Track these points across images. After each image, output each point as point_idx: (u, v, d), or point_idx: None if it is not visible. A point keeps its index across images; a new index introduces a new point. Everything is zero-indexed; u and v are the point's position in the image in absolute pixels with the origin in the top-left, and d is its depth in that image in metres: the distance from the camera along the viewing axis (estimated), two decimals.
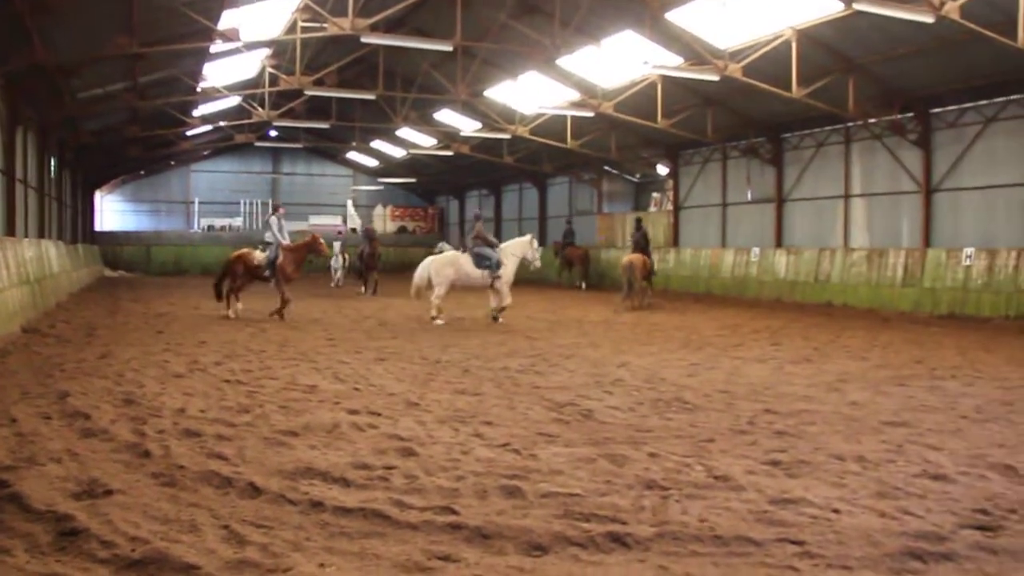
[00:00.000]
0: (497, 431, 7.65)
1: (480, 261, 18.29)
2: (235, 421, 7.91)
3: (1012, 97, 20.51)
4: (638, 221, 25.24)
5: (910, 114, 22.61)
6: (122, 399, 8.89)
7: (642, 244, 23.60)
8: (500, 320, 18.41)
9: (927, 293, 21.04)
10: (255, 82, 30.44)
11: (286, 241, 19.04)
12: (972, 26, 16.19)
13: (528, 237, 19.70)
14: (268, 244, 18.94)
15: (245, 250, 19.85)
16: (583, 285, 33.53)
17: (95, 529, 4.86)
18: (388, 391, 9.77)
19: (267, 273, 18.77)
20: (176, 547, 4.60)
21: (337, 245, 32.02)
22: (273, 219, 19.24)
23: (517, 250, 18.91)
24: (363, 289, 28.30)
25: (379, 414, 8.36)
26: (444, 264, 18.42)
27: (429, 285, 18.30)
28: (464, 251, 18.76)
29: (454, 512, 5.26)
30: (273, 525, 5.07)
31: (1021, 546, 4.83)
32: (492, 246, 18.45)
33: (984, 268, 19.82)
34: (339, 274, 31.97)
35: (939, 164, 22.44)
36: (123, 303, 23.27)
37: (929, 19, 15.88)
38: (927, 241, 22.41)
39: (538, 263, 19.43)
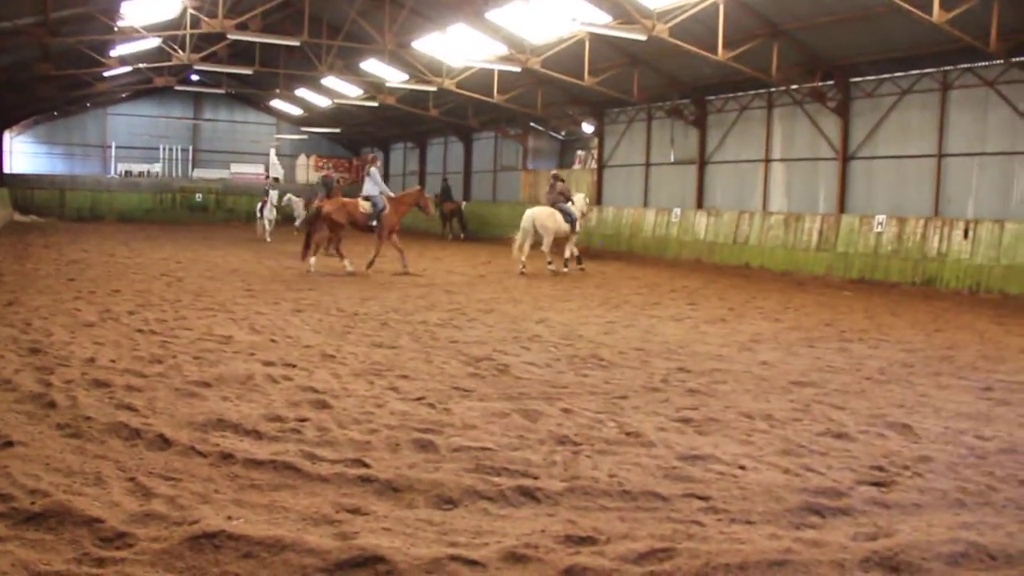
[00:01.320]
0: (412, 385, 7.66)
1: (566, 217, 20.63)
2: (146, 372, 7.76)
3: (926, 71, 21.00)
4: (554, 176, 24.06)
5: (831, 82, 22.99)
6: (28, 348, 8.64)
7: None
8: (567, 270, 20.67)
9: (840, 258, 21.58)
10: (176, 23, 29.41)
11: (389, 193, 19.80)
12: None
13: (583, 195, 22.79)
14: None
15: (346, 199, 19.86)
16: (463, 236, 36.19)
17: None
18: (304, 343, 9.70)
19: (373, 224, 19.03)
20: (79, 500, 4.51)
21: (273, 195, 31.66)
22: (374, 170, 19.86)
23: (580, 206, 21.70)
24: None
25: (294, 366, 8.31)
26: (547, 216, 20.17)
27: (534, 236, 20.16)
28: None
29: (365, 465, 5.26)
30: (182, 477, 5.01)
31: (911, 500, 5.06)
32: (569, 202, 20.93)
33: (894, 235, 20.40)
34: (271, 227, 31.05)
35: (856, 132, 22.92)
36: (34, 249, 22.53)
37: None
38: (842, 207, 22.94)
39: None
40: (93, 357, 8.30)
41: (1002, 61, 18.45)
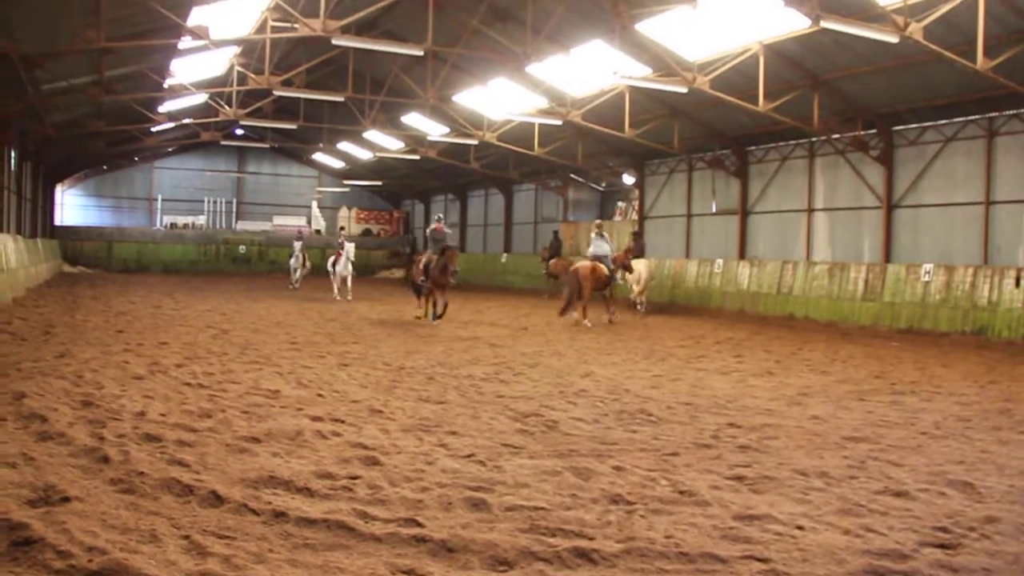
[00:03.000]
0: (462, 441, 7.61)
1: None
2: (196, 426, 7.79)
3: (971, 118, 20.88)
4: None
5: (872, 131, 22.91)
6: (80, 401, 8.72)
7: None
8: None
9: (887, 307, 21.29)
10: (223, 80, 30.15)
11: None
12: (934, 47, 16.44)
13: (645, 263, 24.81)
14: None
15: (589, 263, 20.73)
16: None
17: (51, 538, 4.72)
18: (352, 397, 9.69)
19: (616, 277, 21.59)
20: (135, 558, 4.50)
21: (297, 245, 31.69)
22: (604, 233, 21.97)
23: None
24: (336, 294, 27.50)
25: (343, 421, 8.29)
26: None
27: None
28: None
29: (419, 524, 5.21)
30: (235, 536, 4.99)
31: (979, 564, 4.89)
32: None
33: (942, 284, 20.10)
34: (298, 274, 31.59)
35: (900, 181, 22.76)
36: (83, 300, 22.93)
37: (894, 39, 16.09)
38: (887, 256, 22.71)
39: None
40: (143, 411, 8.35)
41: None
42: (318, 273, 35.64)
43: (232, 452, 6.89)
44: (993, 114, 20.38)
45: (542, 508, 5.59)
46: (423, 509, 5.56)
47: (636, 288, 25.14)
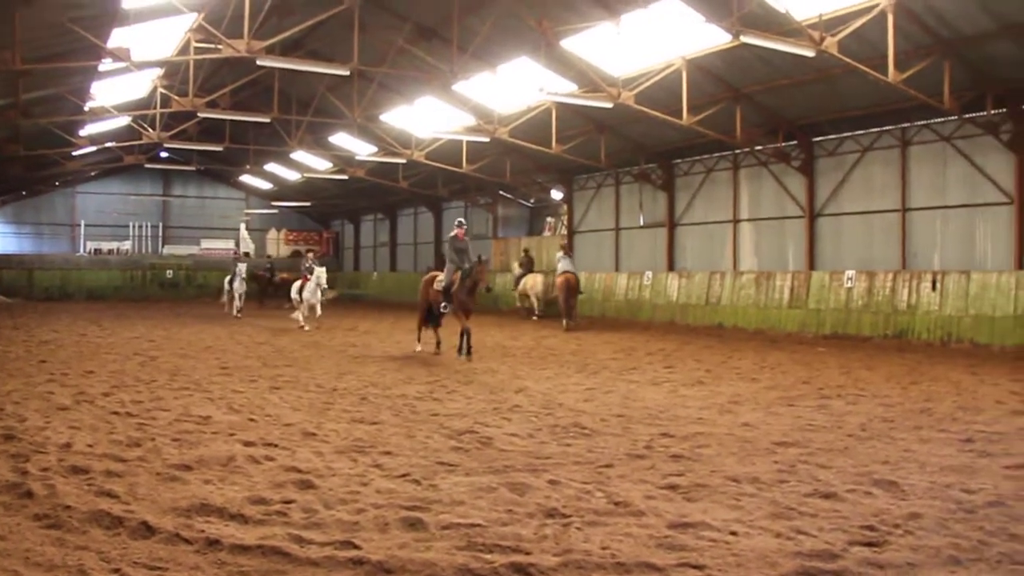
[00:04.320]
0: (397, 461, 7.58)
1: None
2: (125, 456, 7.63)
3: (885, 128, 21.54)
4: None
5: (793, 142, 23.48)
6: (1, 435, 8.47)
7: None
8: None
9: (812, 314, 21.78)
10: (146, 102, 29.65)
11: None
12: (848, 60, 16.93)
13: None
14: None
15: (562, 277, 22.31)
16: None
17: None
18: (284, 421, 9.58)
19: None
20: None
21: (242, 268, 29.66)
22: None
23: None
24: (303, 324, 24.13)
25: (276, 445, 8.19)
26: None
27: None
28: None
29: (355, 547, 5.18)
30: (167, 566, 4.90)
31: (904, 559, 5.04)
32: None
33: (864, 290, 20.65)
34: (240, 301, 29.40)
35: (821, 190, 23.34)
36: (3, 330, 22.26)
37: (810, 53, 16.53)
38: (811, 264, 23.24)
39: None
40: (69, 442, 8.14)
41: (956, 117, 18.94)
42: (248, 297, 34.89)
43: (163, 481, 6.76)
44: (906, 124, 21.07)
45: (478, 525, 5.60)
46: (359, 531, 5.52)
47: (535, 301, 28.95)
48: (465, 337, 15.88)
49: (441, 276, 16.92)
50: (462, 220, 17.22)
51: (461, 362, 15.67)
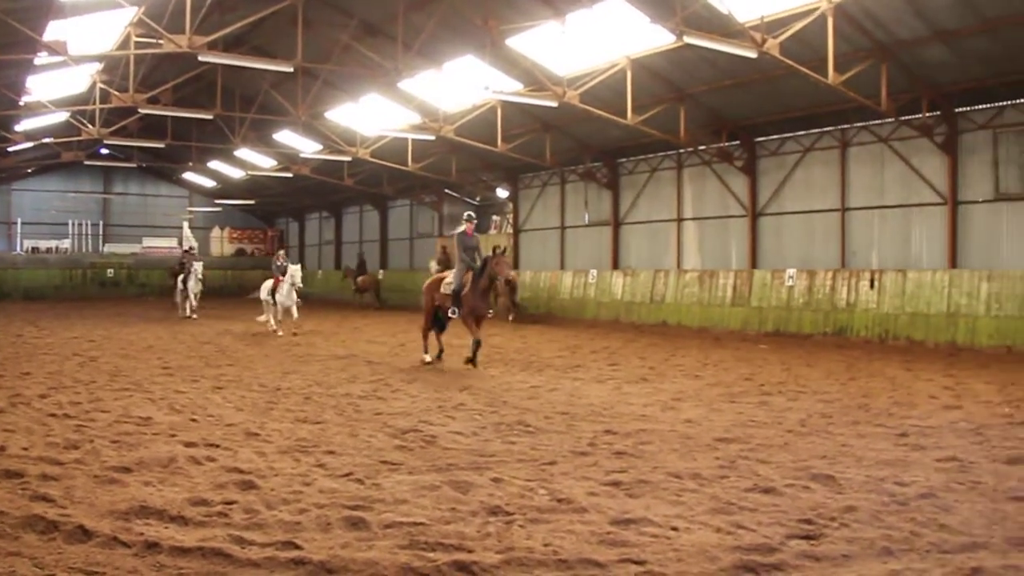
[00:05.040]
0: (340, 460, 7.54)
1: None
2: (62, 459, 7.48)
3: (825, 129, 21.93)
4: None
5: (736, 142, 23.77)
6: None
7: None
8: None
9: (754, 312, 22.08)
10: (85, 98, 29.00)
11: None
12: (789, 62, 17.19)
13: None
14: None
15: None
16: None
17: None
18: (227, 421, 9.48)
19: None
20: None
21: (197, 266, 27.61)
22: None
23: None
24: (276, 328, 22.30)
25: (217, 446, 8.10)
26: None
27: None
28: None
29: (297, 547, 5.15)
30: (104, 571, 4.82)
31: (839, 551, 5.17)
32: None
33: (804, 288, 21.01)
34: (195, 300, 27.82)
35: (764, 190, 23.67)
36: None
37: (752, 54, 16.75)
38: (754, 263, 23.56)
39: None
40: (3, 445, 7.96)
41: (893, 120, 19.34)
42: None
43: (101, 484, 6.65)
44: (845, 126, 21.46)
45: (421, 523, 5.60)
46: (301, 531, 5.49)
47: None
48: (475, 345, 14.33)
49: (449, 277, 15.13)
50: (471, 214, 15.35)
51: (470, 370, 14.33)
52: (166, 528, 5.53)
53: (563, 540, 5.30)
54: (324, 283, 46.61)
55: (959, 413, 10.20)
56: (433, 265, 35.47)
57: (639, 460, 7.59)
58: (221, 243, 51.98)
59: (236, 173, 42.41)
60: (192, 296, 27.73)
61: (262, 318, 23.25)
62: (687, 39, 16.41)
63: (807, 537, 5.42)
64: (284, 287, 21.73)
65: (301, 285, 21.91)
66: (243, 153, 37.38)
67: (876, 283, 19.61)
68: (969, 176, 19.16)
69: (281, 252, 23.86)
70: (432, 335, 15.65)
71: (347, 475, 6.97)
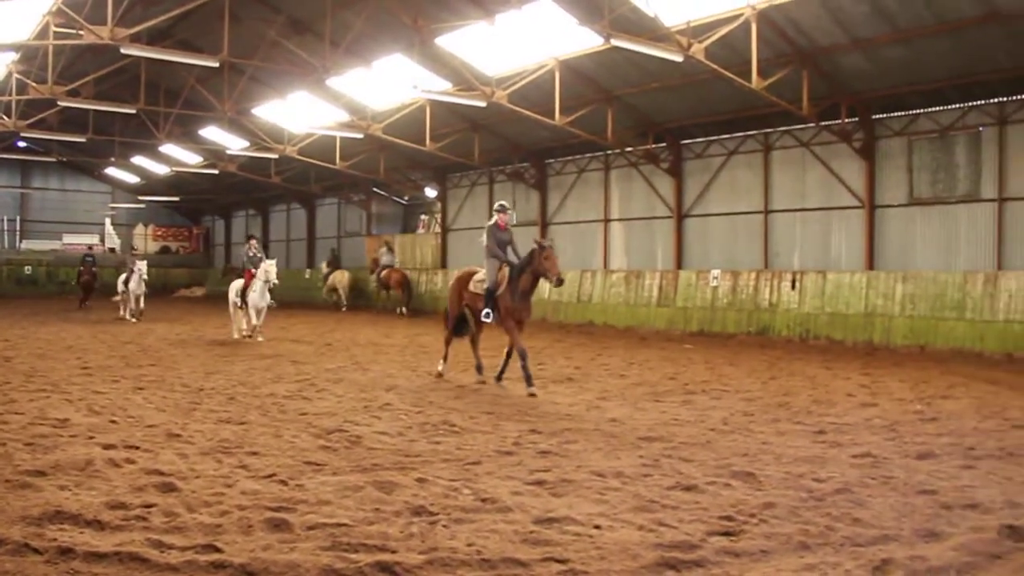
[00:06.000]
0: (263, 461, 7.44)
1: None
2: None
3: (749, 133, 22.37)
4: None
5: (663, 144, 24.10)
6: None
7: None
8: None
9: (680, 312, 22.40)
10: (0, 88, 28.15)
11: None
12: (714, 67, 17.49)
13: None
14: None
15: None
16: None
17: None
18: (148, 422, 9.27)
19: None
20: None
21: (141, 266, 24.94)
22: None
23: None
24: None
25: (137, 448, 7.92)
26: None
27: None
28: None
29: (217, 550, 5.06)
30: None
31: (758, 547, 5.27)
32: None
33: (728, 288, 21.39)
34: (138, 304, 25.40)
35: (689, 191, 24.03)
36: None
37: (678, 58, 17.00)
38: (679, 263, 23.91)
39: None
40: None
41: (814, 124, 19.79)
42: (111, 292, 32.52)
43: (12, 488, 6.44)
44: (768, 130, 21.91)
45: (344, 524, 5.55)
46: (222, 534, 5.40)
47: (342, 294, 34.23)
48: (520, 360, 11.99)
49: (480, 274, 13.16)
50: (504, 204, 13.40)
51: (501, 388, 12.46)
52: (81, 533, 5.38)
53: (486, 540, 5.31)
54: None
55: (874, 410, 10.51)
56: (324, 267, 35.78)
57: (564, 459, 7.64)
58: (145, 240, 50.87)
59: (161, 169, 41.58)
60: (134, 298, 25.37)
61: (233, 326, 20.32)
62: (614, 42, 16.59)
63: (727, 533, 5.52)
64: (257, 285, 18.75)
65: (276, 281, 19.01)
66: (168, 149, 36.69)
67: (797, 284, 20.06)
68: (886, 181, 19.72)
69: (252, 241, 20.46)
70: (448, 344, 13.60)
71: (270, 476, 6.89)
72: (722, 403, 11.08)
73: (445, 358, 13.51)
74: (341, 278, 34.77)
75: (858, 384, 12.88)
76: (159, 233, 52.05)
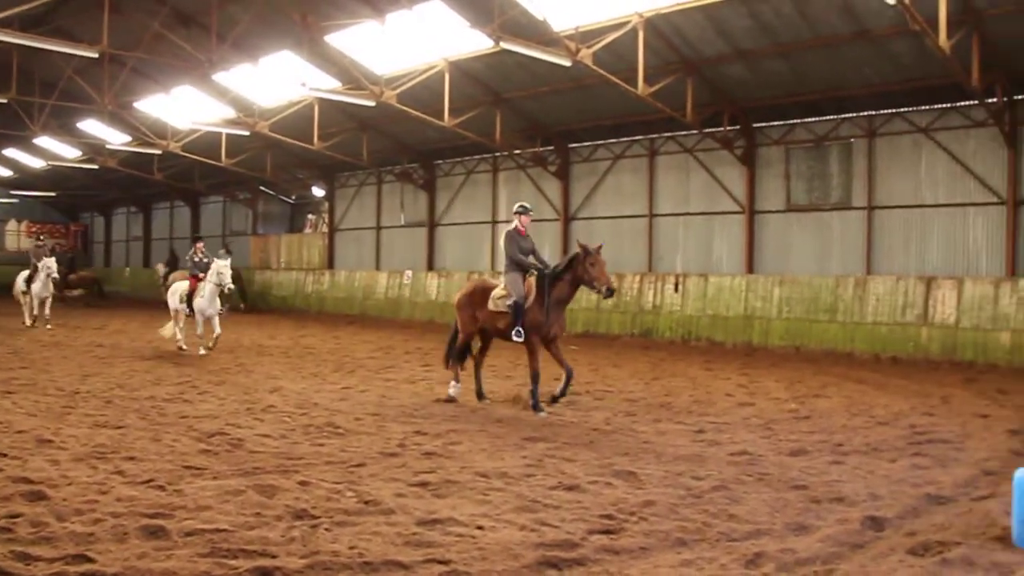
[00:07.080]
0: (140, 466, 7.24)
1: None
2: None
3: (635, 138, 22.84)
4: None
5: (551, 147, 24.38)
6: None
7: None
8: None
9: (565, 313, 22.64)
10: None
11: None
12: (602, 72, 17.77)
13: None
14: None
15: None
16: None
17: None
18: (16, 428, 8.89)
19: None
20: None
21: (49, 263, 21.83)
22: None
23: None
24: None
25: (5, 455, 7.58)
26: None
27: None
28: None
29: (89, 560, 4.91)
30: None
31: (637, 544, 5.42)
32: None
33: None
34: (41, 309, 22.19)
35: (576, 194, 24.37)
36: None
37: (567, 63, 17.22)
38: None
39: None
40: None
41: (698, 132, 20.33)
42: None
43: None
44: (654, 136, 22.41)
45: (224, 530, 5.46)
46: (94, 543, 5.24)
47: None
48: (531, 383, 10.67)
49: (499, 287, 11.50)
50: (526, 205, 11.80)
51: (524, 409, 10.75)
52: None
53: (369, 542, 5.31)
54: (132, 280, 44.59)
55: (751, 409, 10.89)
56: (161, 268, 34.52)
57: (448, 460, 7.68)
58: (18, 237, 48.64)
59: (36, 163, 39.78)
60: (38, 302, 22.19)
61: (166, 331, 18.06)
62: (504, 45, 16.69)
63: (607, 532, 5.64)
64: (207, 290, 16.67)
65: (231, 285, 16.89)
66: (43, 141, 35.05)
67: (680, 287, 20.58)
68: (765, 187, 20.41)
69: (199, 245, 18.36)
70: (457, 365, 11.93)
71: (147, 482, 6.71)
72: (605, 403, 11.31)
73: (457, 378, 11.61)
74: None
75: (737, 384, 13.32)
76: (33, 230, 49.84)
